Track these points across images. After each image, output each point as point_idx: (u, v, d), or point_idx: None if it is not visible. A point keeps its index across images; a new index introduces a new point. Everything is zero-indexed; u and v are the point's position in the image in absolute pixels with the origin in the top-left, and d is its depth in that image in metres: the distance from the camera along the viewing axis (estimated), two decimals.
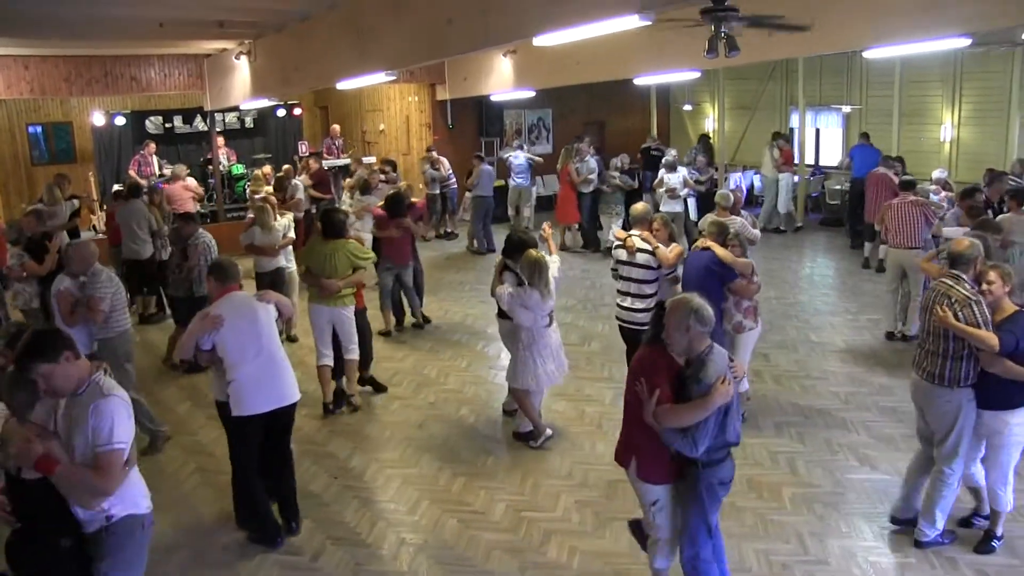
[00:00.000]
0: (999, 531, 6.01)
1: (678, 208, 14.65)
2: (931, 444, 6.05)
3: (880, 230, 11.19)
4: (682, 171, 14.97)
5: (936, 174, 12.20)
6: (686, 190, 14.82)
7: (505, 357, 10.40)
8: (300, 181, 14.73)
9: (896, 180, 12.34)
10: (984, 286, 5.76)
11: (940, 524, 5.99)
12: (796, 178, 18.04)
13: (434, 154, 17.47)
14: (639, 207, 8.79)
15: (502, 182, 18.32)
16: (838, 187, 17.87)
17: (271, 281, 10.43)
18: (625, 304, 8.29)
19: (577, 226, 16.43)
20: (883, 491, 6.81)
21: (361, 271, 8.66)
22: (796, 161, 18.49)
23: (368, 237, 12.70)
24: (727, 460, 4.93)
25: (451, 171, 17.56)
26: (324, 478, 7.30)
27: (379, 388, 9.39)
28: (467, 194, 16.59)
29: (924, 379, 5.91)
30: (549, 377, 7.78)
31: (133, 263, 12.08)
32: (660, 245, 8.15)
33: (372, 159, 17.78)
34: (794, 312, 11.81)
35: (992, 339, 5.49)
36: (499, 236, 16.29)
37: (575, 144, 16.40)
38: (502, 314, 8.05)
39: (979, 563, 5.78)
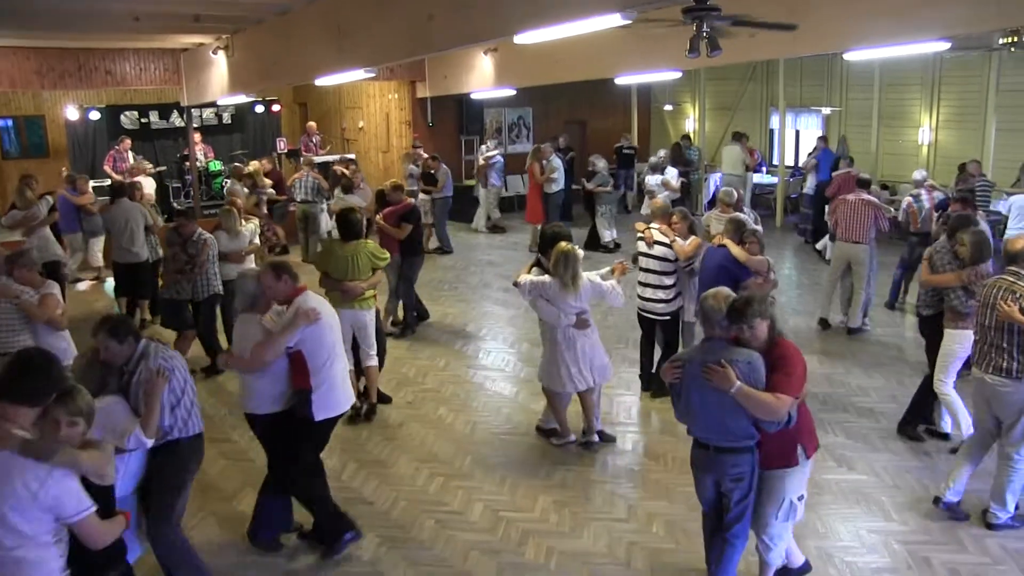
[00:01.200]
0: None
1: None
2: (990, 434, 6.32)
3: (830, 222, 11.49)
4: (670, 172, 14.94)
5: (916, 175, 12.27)
6: (666, 192, 14.82)
7: (483, 356, 10.44)
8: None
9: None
10: None
11: (1011, 506, 6.20)
12: (775, 178, 18.09)
13: (420, 151, 17.36)
14: (658, 201, 9.53)
15: (471, 181, 18.53)
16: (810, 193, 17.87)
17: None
18: (645, 295, 8.63)
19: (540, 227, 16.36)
20: (859, 491, 6.82)
21: (380, 271, 8.50)
22: (776, 163, 18.61)
23: None
24: (695, 443, 5.28)
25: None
26: None
27: (384, 399, 9.00)
28: (422, 196, 16.18)
29: (991, 373, 6.07)
30: (578, 381, 7.49)
31: (129, 267, 11.50)
32: (678, 238, 8.50)
33: (329, 158, 17.84)
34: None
35: None
36: (459, 237, 16.55)
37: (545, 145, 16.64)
38: None
39: (953, 562, 5.80)
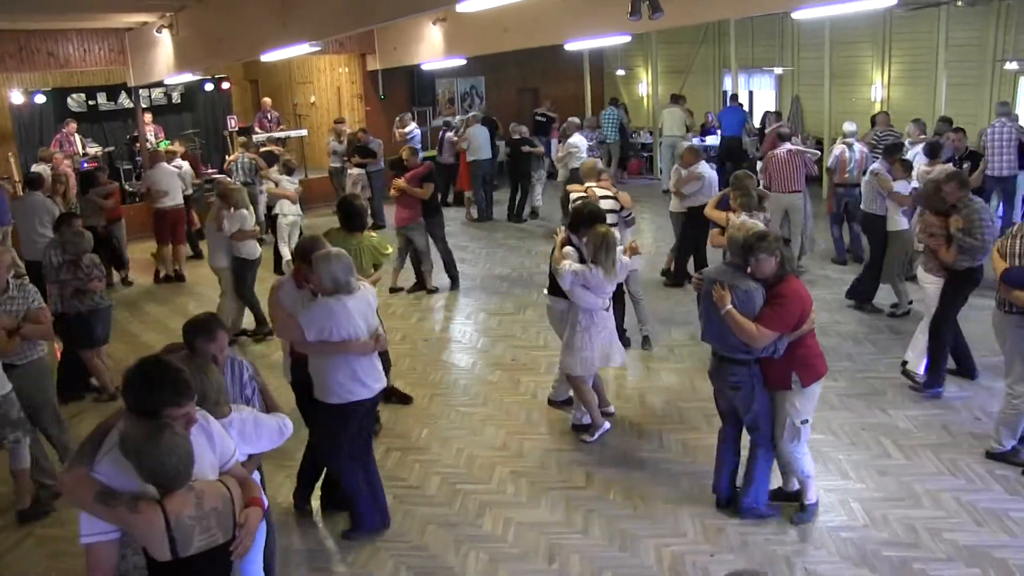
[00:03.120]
0: None
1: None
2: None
3: (763, 179, 11.82)
4: (570, 141, 14.83)
5: (847, 126, 12.60)
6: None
7: (439, 329, 10.41)
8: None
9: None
10: None
11: (1006, 442, 6.57)
12: (697, 139, 18.09)
13: (342, 127, 17.14)
14: (588, 162, 9.97)
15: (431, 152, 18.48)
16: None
17: (255, 268, 10.07)
18: None
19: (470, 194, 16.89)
20: (817, 450, 6.80)
21: (382, 268, 7.79)
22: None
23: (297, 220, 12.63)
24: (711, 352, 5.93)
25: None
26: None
27: (404, 400, 8.25)
28: (355, 170, 15.60)
29: (996, 306, 6.60)
30: (611, 359, 7.31)
31: (33, 264, 10.37)
32: (617, 190, 9.09)
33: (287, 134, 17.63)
34: None
35: (999, 265, 6.40)
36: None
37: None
38: (554, 291, 7.38)
39: (909, 518, 5.85)
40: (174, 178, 13.25)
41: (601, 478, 6.62)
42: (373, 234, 7.75)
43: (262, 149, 15.88)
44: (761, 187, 10.52)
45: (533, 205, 16.55)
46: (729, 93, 18.66)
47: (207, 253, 10.46)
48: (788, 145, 11.74)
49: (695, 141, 16.68)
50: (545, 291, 7.67)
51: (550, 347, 9.30)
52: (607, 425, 7.36)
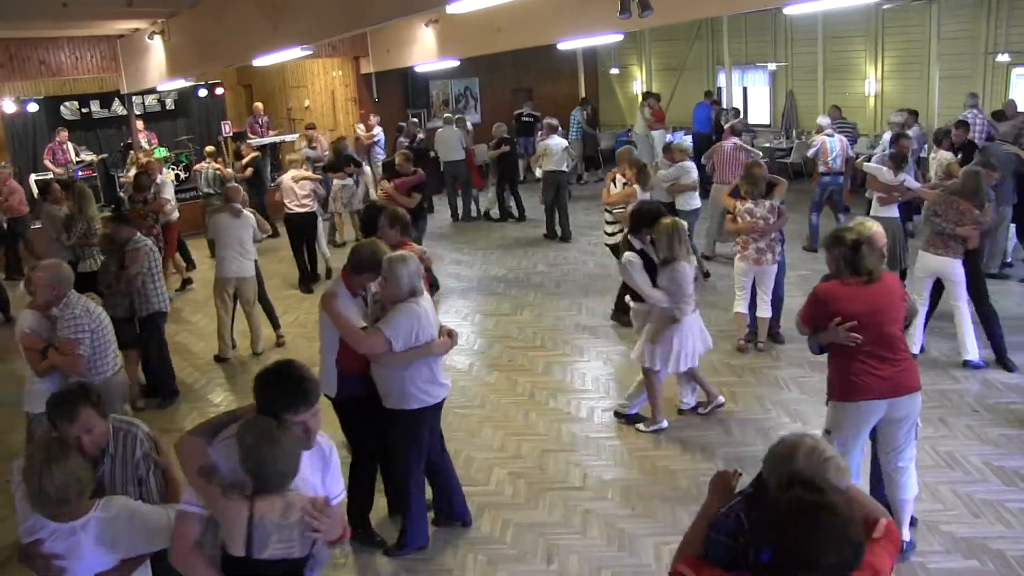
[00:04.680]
0: None
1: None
2: None
3: (707, 164, 12.60)
4: (550, 140, 14.86)
5: (821, 120, 13.33)
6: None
7: None
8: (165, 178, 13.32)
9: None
10: None
11: None
12: (670, 135, 18.07)
13: (313, 132, 17.01)
14: (622, 150, 10.63)
15: None
16: (767, 145, 17.90)
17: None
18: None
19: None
20: None
21: None
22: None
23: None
24: None
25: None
26: None
27: None
28: (348, 181, 15.38)
29: None
30: (692, 359, 7.21)
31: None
32: (612, 184, 10.12)
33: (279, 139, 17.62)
34: (715, 269, 11.80)
35: None
36: None
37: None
38: (635, 296, 7.33)
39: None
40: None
41: (598, 478, 6.61)
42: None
43: (249, 156, 15.80)
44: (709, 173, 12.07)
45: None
46: (720, 90, 18.84)
47: (236, 266, 9.58)
48: (735, 140, 12.46)
49: (669, 137, 16.79)
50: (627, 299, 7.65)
51: (546, 347, 9.32)
52: (664, 423, 7.32)
